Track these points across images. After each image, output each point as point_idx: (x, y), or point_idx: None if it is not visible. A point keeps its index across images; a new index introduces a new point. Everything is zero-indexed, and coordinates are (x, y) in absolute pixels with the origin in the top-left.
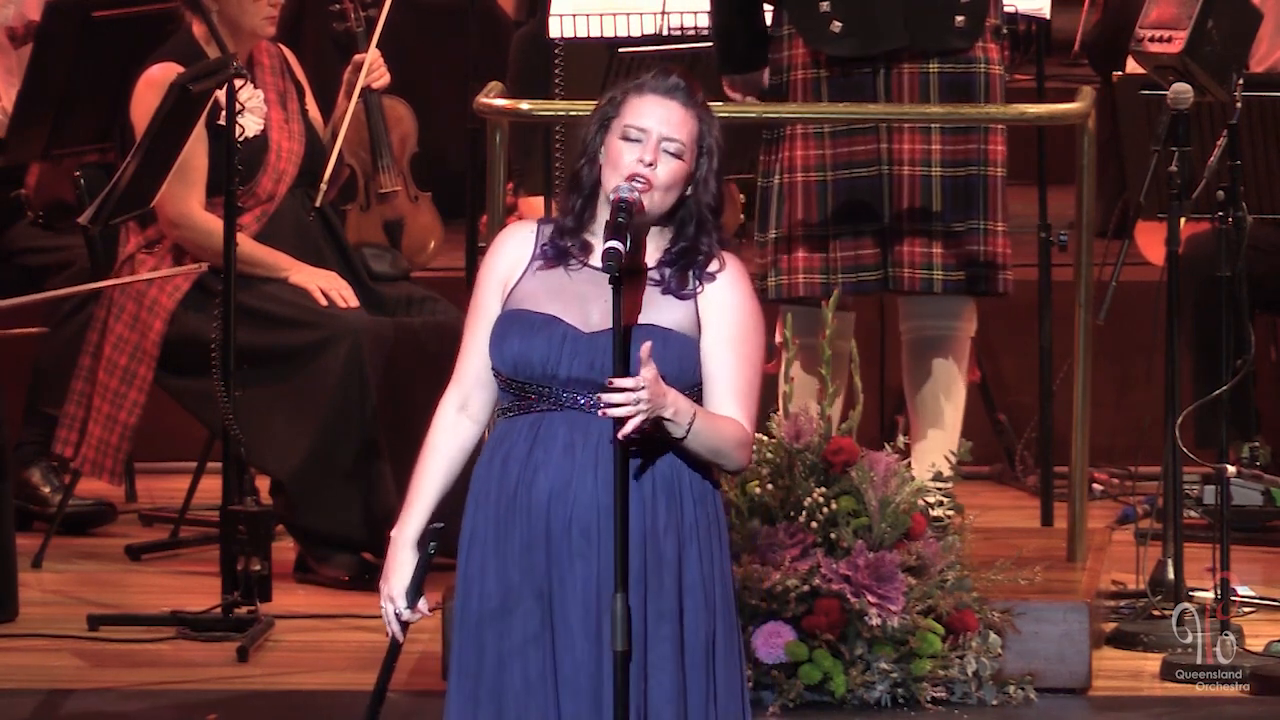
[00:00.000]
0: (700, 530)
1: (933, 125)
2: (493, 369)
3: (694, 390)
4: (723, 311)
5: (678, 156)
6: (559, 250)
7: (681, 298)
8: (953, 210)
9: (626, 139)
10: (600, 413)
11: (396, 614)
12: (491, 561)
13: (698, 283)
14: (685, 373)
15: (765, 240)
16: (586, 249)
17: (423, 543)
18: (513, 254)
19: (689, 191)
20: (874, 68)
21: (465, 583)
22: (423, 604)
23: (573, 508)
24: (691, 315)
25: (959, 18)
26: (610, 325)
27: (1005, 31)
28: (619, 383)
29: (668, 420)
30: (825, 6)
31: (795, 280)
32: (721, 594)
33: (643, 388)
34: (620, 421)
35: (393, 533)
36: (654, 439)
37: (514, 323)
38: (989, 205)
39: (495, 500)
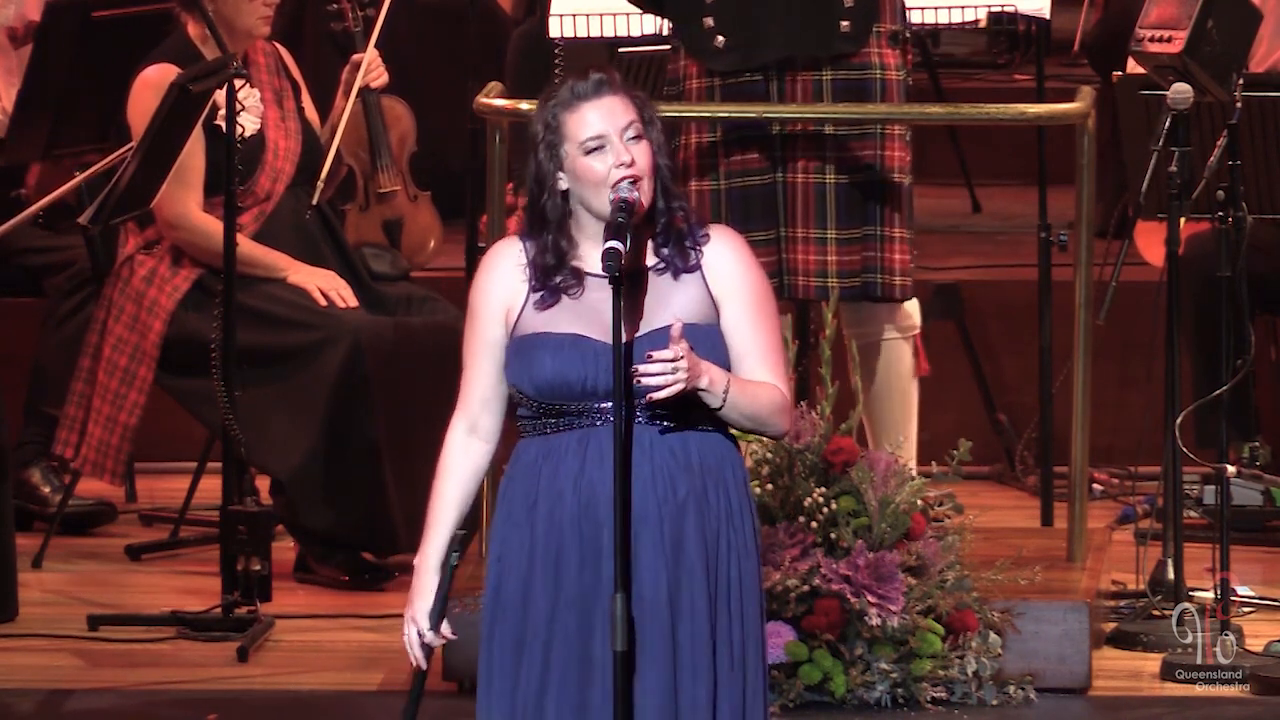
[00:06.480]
0: (749, 531)
1: (825, 132)
2: (518, 392)
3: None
4: (734, 282)
5: (640, 137)
6: (553, 290)
7: (689, 271)
8: (847, 217)
9: (589, 152)
10: (635, 380)
11: (420, 635)
12: (540, 577)
13: (697, 252)
14: (717, 361)
15: None
16: (579, 276)
17: (445, 555)
18: (506, 277)
19: None
20: (765, 75)
21: (502, 600)
22: (445, 628)
23: (637, 523)
24: (703, 290)
25: (844, 23)
26: (635, 332)
27: (907, 37)
28: (657, 355)
29: (703, 391)
30: (709, 22)
31: None
32: (760, 596)
33: (681, 357)
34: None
35: (415, 560)
36: (697, 420)
37: (538, 346)
38: (885, 212)
39: (546, 516)
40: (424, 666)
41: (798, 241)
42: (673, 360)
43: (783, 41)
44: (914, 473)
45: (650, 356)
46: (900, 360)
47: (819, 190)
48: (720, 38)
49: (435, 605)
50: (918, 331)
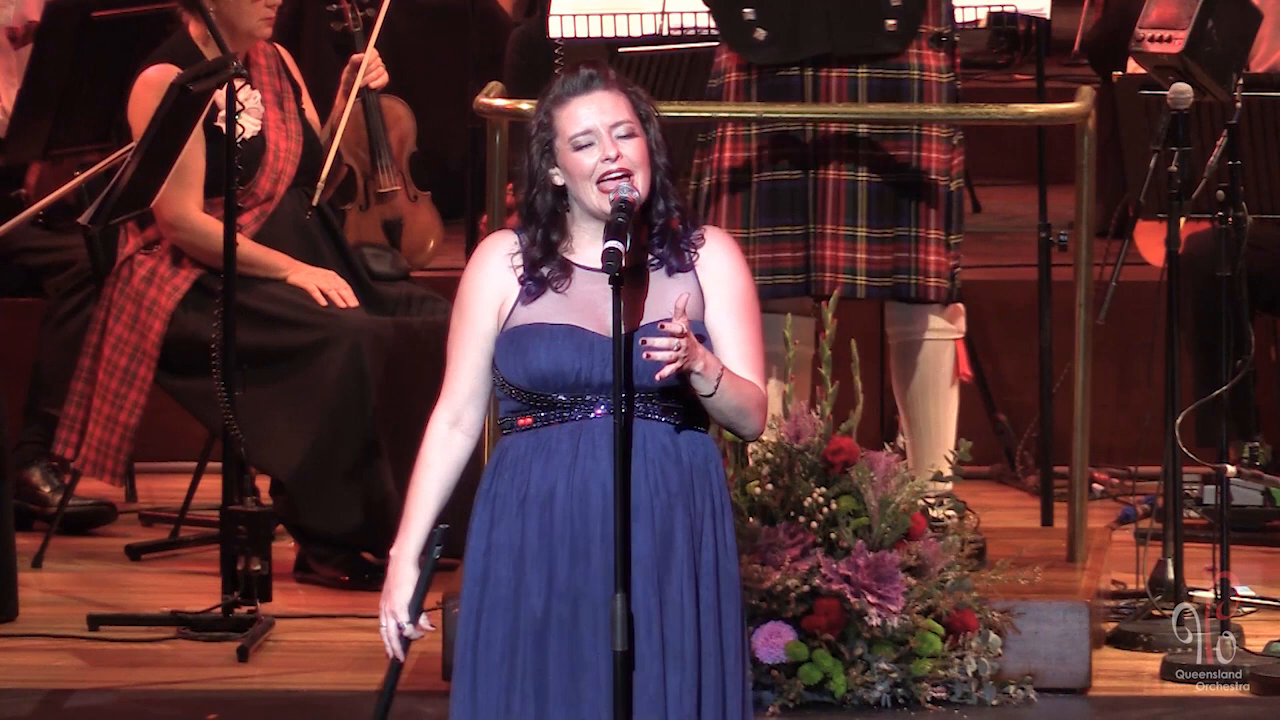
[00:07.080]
0: (730, 528)
1: (859, 131)
2: (507, 385)
3: None
4: (721, 281)
5: (631, 135)
6: (541, 281)
7: (683, 270)
8: (879, 216)
9: (579, 148)
10: (645, 355)
11: (399, 629)
12: (534, 569)
13: (692, 251)
14: None
15: None
16: (567, 268)
17: (427, 548)
18: (500, 269)
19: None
20: (801, 71)
21: (491, 593)
22: (424, 620)
23: (630, 515)
24: (696, 289)
25: (890, 21)
26: (631, 324)
27: (954, 40)
28: (668, 327)
29: (697, 374)
30: (749, 14)
31: None
32: (739, 591)
33: (685, 334)
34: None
35: (392, 551)
36: (685, 416)
37: (533, 336)
38: (920, 213)
39: (539, 509)
40: (401, 659)
41: (826, 238)
42: (680, 335)
43: (826, 37)
44: (947, 473)
45: (662, 326)
46: (943, 362)
47: (850, 188)
48: (761, 31)
49: (415, 598)
50: (961, 334)
